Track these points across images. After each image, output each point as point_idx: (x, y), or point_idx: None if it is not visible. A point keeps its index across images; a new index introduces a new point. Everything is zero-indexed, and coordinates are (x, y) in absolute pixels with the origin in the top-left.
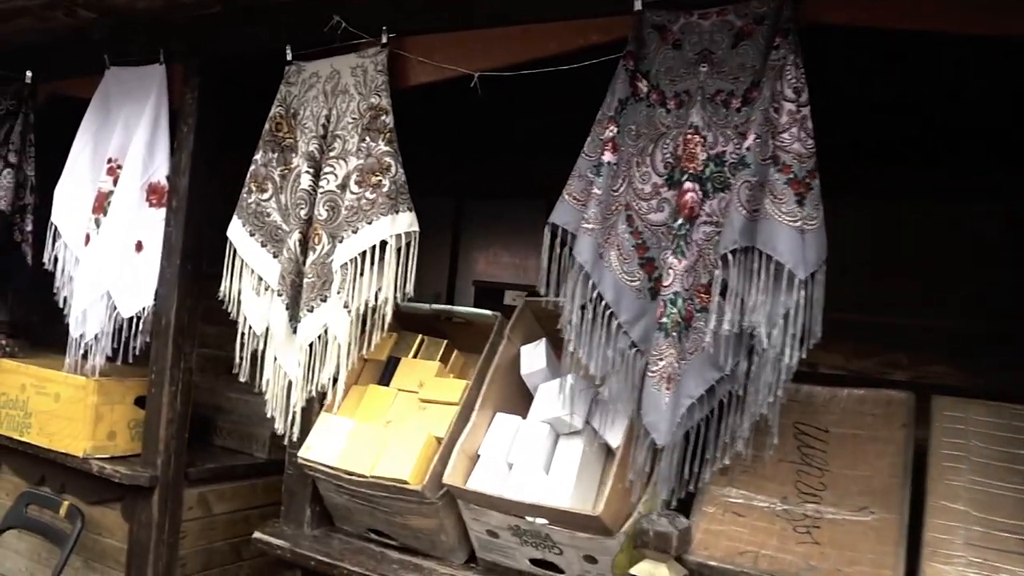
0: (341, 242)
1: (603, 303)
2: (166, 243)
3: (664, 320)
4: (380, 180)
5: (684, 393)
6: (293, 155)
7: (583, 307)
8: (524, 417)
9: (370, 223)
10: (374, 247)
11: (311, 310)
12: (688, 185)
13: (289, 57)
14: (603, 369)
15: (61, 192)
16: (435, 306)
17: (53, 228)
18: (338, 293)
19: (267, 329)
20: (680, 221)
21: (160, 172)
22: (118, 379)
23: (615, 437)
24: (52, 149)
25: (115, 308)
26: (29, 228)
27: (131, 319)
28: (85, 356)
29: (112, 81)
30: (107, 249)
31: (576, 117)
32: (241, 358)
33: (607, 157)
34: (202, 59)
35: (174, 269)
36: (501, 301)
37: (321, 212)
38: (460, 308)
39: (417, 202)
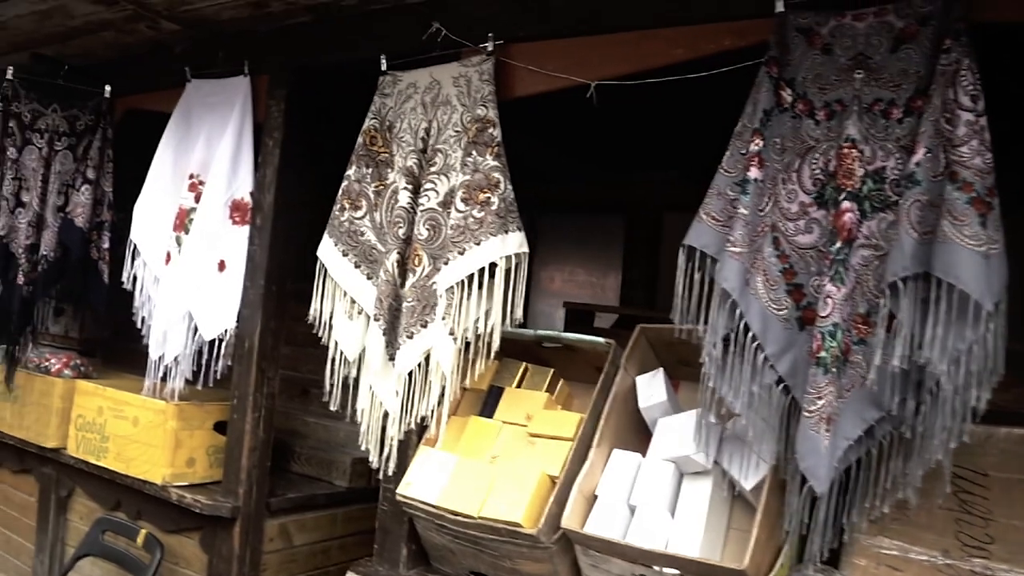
0: (447, 264)
1: (749, 334)
2: (249, 263)
3: (822, 355)
4: (488, 197)
5: (841, 435)
6: (389, 170)
7: (726, 338)
8: (637, 453)
9: (478, 244)
10: (482, 269)
11: (411, 336)
12: (846, 205)
13: (384, 67)
14: (748, 407)
15: (141, 209)
16: (540, 332)
17: (132, 246)
18: (443, 319)
19: (360, 355)
20: (838, 245)
21: (243, 188)
22: (197, 403)
23: (748, 479)
24: (129, 165)
25: (196, 330)
26: (106, 245)
27: (211, 341)
28: (164, 379)
29: (193, 94)
30: (189, 268)
31: (659, 131)
32: (331, 385)
33: (753, 173)
34: (289, 70)
35: (257, 290)
36: (591, 323)
37: (421, 231)
38: (568, 334)
39: None
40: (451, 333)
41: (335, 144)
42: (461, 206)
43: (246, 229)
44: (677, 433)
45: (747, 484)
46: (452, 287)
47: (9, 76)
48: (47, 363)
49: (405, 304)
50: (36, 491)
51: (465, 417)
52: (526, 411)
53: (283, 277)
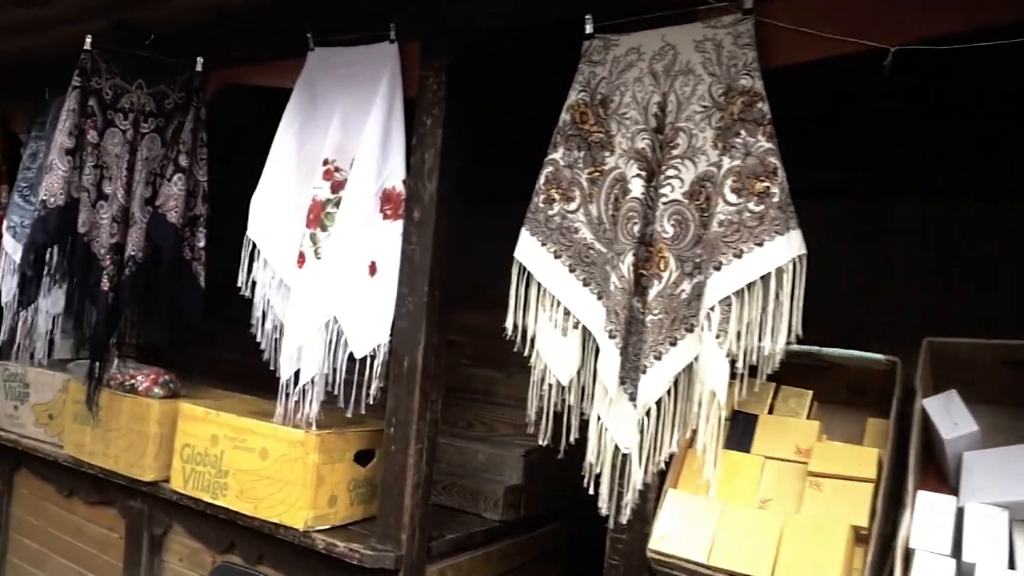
0: (718, 269)
1: None
2: (406, 265)
3: None
4: (767, 187)
5: None
6: (606, 153)
7: None
8: (951, 496)
9: (760, 244)
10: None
11: (659, 357)
12: None
13: (589, 29)
14: None
15: (261, 202)
16: (795, 347)
17: (251, 246)
18: (717, 337)
19: (574, 378)
20: None
21: (396, 176)
22: (339, 431)
23: None
24: (218, 149)
25: (346, 346)
26: (201, 244)
27: (350, 358)
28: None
29: (318, 66)
30: (332, 272)
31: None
32: (538, 413)
33: None
34: (452, 34)
35: (419, 297)
36: None
37: (665, 228)
38: (832, 349)
39: None
40: (729, 355)
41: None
42: (732, 198)
43: (399, 224)
44: (1011, 473)
45: None
46: (729, 297)
47: (87, 47)
48: (132, 380)
49: (650, 317)
50: (120, 526)
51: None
52: (794, 443)
53: (447, 282)
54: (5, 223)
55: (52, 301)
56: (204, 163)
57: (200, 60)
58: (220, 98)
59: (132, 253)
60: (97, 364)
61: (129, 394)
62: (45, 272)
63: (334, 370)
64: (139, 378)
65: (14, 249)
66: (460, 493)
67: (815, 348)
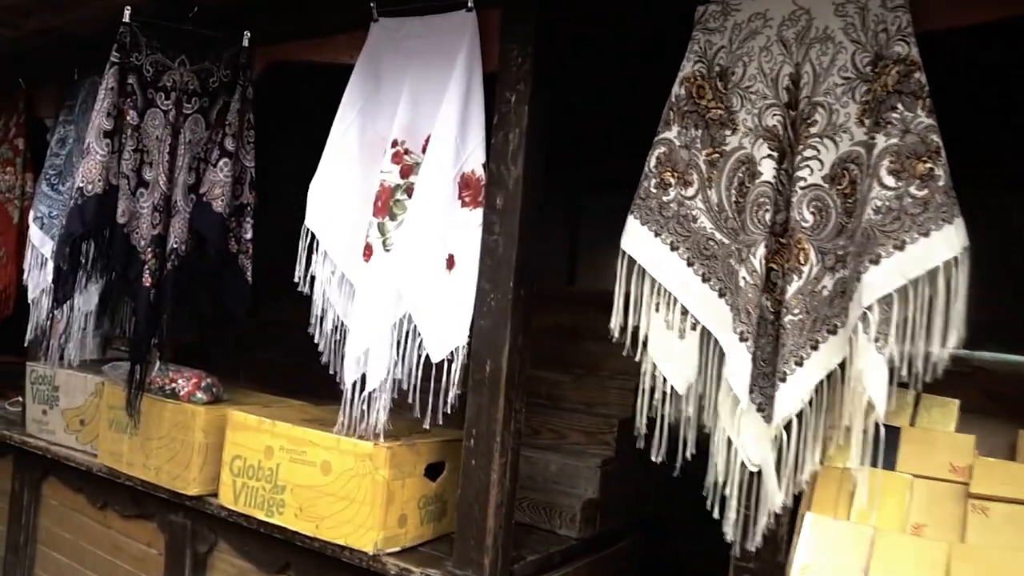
0: (876, 263)
1: None
2: (487, 258)
3: None
4: (931, 168)
5: None
6: (727, 132)
7: None
8: None
9: (926, 234)
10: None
11: (800, 363)
12: None
13: None
14: None
15: (320, 189)
16: None
17: (309, 237)
18: (876, 341)
19: (692, 386)
20: None
21: (475, 159)
22: (409, 443)
23: None
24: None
25: (420, 348)
26: (248, 235)
27: (429, 362)
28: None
29: (382, 38)
30: (404, 266)
31: None
32: (652, 423)
33: None
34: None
35: (503, 294)
36: None
37: (804, 216)
38: (985, 353)
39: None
40: (891, 362)
41: None
42: (890, 181)
43: (480, 213)
44: None
45: None
46: (890, 295)
47: (126, 19)
48: (173, 384)
49: (788, 317)
50: (159, 542)
51: (838, 467)
52: (946, 460)
53: (533, 278)
54: (32, 213)
55: (84, 298)
56: (251, 147)
57: (247, 35)
58: (268, 76)
59: (175, 245)
60: (138, 367)
61: (170, 399)
62: (80, 266)
63: (406, 375)
64: (180, 382)
65: (41, 241)
66: (531, 507)
67: (961, 351)
